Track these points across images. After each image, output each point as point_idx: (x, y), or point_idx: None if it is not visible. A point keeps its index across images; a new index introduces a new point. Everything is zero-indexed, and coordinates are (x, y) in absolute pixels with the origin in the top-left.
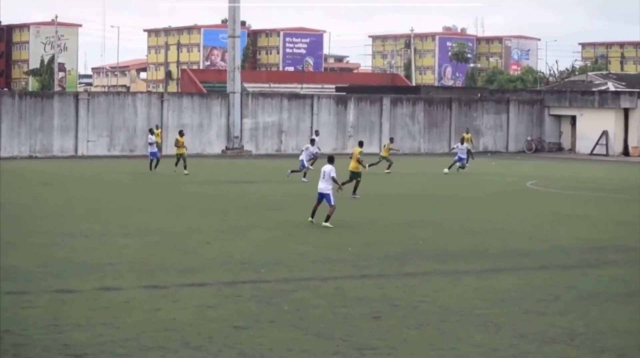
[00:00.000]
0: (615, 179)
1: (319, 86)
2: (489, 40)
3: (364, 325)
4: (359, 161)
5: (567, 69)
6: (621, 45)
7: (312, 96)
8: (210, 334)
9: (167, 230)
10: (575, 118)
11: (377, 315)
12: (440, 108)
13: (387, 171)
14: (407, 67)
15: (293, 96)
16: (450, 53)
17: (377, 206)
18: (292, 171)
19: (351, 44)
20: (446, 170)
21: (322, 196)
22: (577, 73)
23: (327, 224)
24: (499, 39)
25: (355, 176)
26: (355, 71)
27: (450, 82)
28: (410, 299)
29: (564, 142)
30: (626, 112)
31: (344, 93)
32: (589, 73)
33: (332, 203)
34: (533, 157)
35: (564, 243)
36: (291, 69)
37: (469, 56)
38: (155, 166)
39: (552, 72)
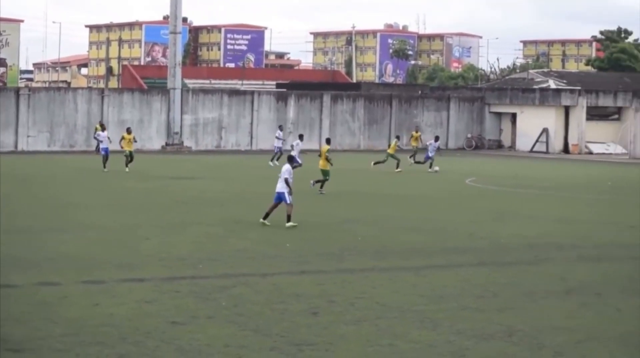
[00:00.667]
0: (555, 177)
1: (260, 82)
2: (430, 37)
3: (302, 321)
4: (327, 159)
5: (508, 67)
6: (563, 43)
7: (252, 93)
8: (148, 329)
9: (106, 225)
10: (516, 116)
11: (315, 311)
12: (381, 105)
13: (398, 169)
14: (348, 64)
15: (233, 93)
16: (391, 50)
17: (315, 202)
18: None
19: (292, 41)
20: (430, 169)
21: (279, 196)
22: (518, 71)
23: (290, 224)
24: (441, 36)
25: (325, 174)
26: (296, 68)
27: (391, 79)
28: (348, 295)
29: (504, 139)
30: (567, 110)
31: (285, 90)
32: (530, 71)
33: (289, 202)
34: (473, 154)
35: (503, 240)
36: (232, 65)
37: (410, 53)
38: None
39: (493, 69)
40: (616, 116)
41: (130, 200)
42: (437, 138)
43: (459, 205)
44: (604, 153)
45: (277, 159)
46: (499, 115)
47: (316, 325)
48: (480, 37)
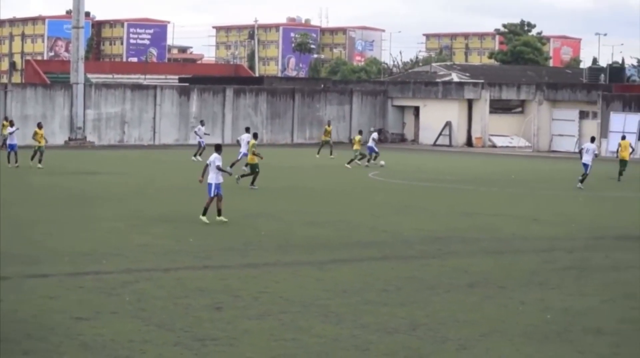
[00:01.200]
0: (458, 170)
1: (163, 76)
2: (333, 31)
3: (206, 315)
4: (254, 153)
5: (411, 60)
6: (466, 36)
7: (155, 87)
8: (52, 325)
9: (10, 220)
10: (419, 109)
11: (219, 305)
12: (283, 99)
13: (367, 164)
14: (251, 58)
15: (136, 87)
16: (293, 44)
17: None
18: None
19: (195, 35)
20: (382, 162)
21: (211, 188)
22: (421, 64)
23: (222, 218)
24: (343, 30)
25: (253, 168)
26: (199, 62)
27: (293, 73)
28: (252, 290)
29: (407, 133)
30: (470, 103)
31: (187, 84)
32: (433, 64)
33: (220, 193)
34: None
35: (406, 233)
36: (135, 59)
37: (313, 46)
38: (16, 160)
39: (395, 63)
40: (519, 109)
41: (33, 196)
42: (379, 131)
43: (361, 199)
44: (507, 146)
45: (200, 155)
46: (401, 109)
47: (220, 320)
48: (383, 31)
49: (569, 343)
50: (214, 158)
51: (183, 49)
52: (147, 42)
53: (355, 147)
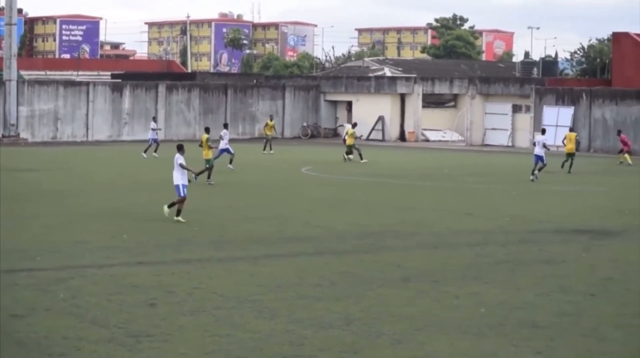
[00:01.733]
0: (391, 165)
1: (95, 73)
2: (265, 26)
3: (140, 312)
4: (210, 147)
5: (343, 55)
6: (398, 30)
7: (88, 84)
8: None
9: None
10: (352, 104)
11: (153, 302)
12: (216, 95)
13: (363, 161)
14: (183, 53)
15: (69, 84)
16: (226, 39)
17: (152, 193)
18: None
19: (127, 31)
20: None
21: (180, 189)
22: (353, 59)
23: (179, 218)
24: (275, 25)
25: (208, 163)
26: (132, 58)
27: (226, 69)
28: (186, 286)
29: (340, 128)
30: (402, 97)
31: (120, 80)
32: (366, 59)
33: (182, 194)
34: (309, 143)
35: (340, 228)
36: (67, 56)
37: (245, 42)
38: None
39: (328, 58)
40: (452, 104)
41: None
42: (354, 124)
43: (295, 194)
44: (440, 140)
45: (155, 151)
46: (334, 103)
47: (154, 316)
48: (315, 26)
49: (504, 336)
50: (176, 158)
51: (115, 46)
52: (79, 38)
53: (349, 141)
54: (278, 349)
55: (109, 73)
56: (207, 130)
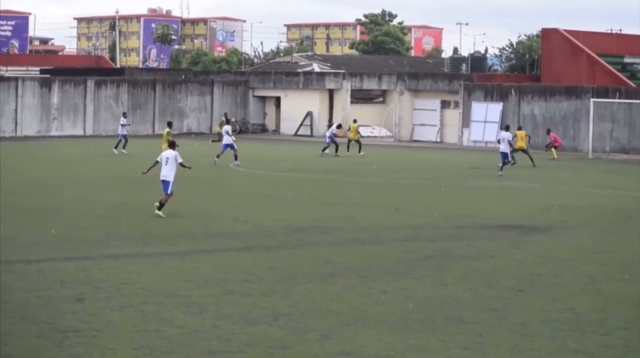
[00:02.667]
0: (319, 160)
1: (24, 68)
2: (194, 22)
3: (68, 307)
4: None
5: (272, 51)
6: (327, 26)
7: (16, 79)
8: None
9: None
10: (280, 99)
11: (81, 297)
12: (145, 90)
13: (361, 153)
14: (112, 49)
15: None
16: (154, 35)
17: (79, 188)
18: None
19: (56, 27)
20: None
21: (168, 185)
22: (282, 54)
23: (160, 213)
24: (204, 21)
25: None
26: (61, 53)
27: (155, 64)
28: (114, 281)
29: (269, 123)
30: (331, 93)
31: (49, 76)
32: (294, 54)
33: (169, 191)
34: (237, 138)
35: (268, 224)
36: None
37: (174, 37)
38: None
39: (257, 53)
40: (381, 99)
41: None
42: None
43: (222, 190)
44: (369, 136)
45: (124, 147)
46: (263, 99)
47: (82, 312)
48: (244, 22)
49: (432, 332)
50: (174, 156)
51: (44, 41)
52: (8, 34)
53: (351, 136)
54: (206, 345)
55: (38, 68)
56: (169, 124)
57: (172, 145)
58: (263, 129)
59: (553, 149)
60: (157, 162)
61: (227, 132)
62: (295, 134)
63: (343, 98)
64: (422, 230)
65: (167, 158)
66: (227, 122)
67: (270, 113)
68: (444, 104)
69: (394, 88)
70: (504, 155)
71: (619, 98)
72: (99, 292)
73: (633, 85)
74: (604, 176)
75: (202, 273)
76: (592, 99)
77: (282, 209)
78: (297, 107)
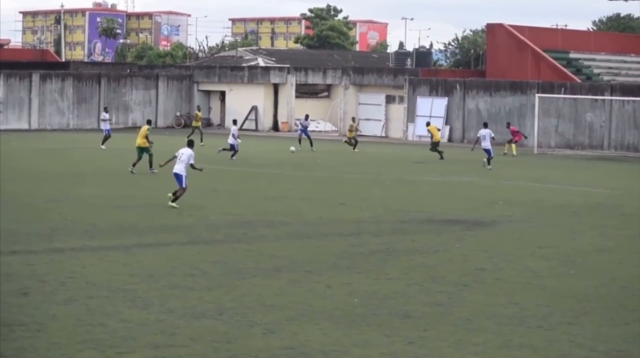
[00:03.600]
0: (264, 154)
1: None
2: (139, 16)
3: (13, 301)
4: (146, 138)
5: (217, 45)
6: (272, 21)
7: None
8: None
9: None
10: (225, 94)
11: (26, 291)
12: (90, 84)
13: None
14: (57, 43)
15: None
16: (99, 29)
17: (23, 182)
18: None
19: (2, 20)
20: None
21: (182, 179)
22: (227, 49)
23: (174, 204)
24: (149, 15)
25: (142, 151)
26: (6, 47)
27: (100, 58)
28: (59, 275)
29: (214, 117)
30: (276, 87)
31: None
32: (239, 49)
33: (184, 185)
34: (182, 132)
35: (212, 217)
36: None
37: (119, 31)
38: None
39: (201, 48)
40: (326, 94)
41: None
42: (307, 117)
43: (167, 183)
44: (314, 130)
45: (102, 143)
46: (208, 93)
47: (27, 305)
48: (189, 16)
49: (377, 326)
50: (189, 155)
51: None
52: None
53: (349, 135)
54: (150, 338)
55: None
56: (149, 122)
57: (190, 144)
58: (208, 123)
59: (512, 144)
60: (174, 157)
61: (233, 134)
62: (240, 129)
63: (288, 92)
64: (367, 224)
65: (182, 154)
66: (234, 123)
67: (215, 107)
68: (389, 99)
69: (339, 83)
70: (488, 151)
71: (564, 93)
72: (44, 286)
73: (578, 80)
74: (548, 171)
75: (147, 267)
76: (537, 95)
77: (226, 203)
78: (242, 101)
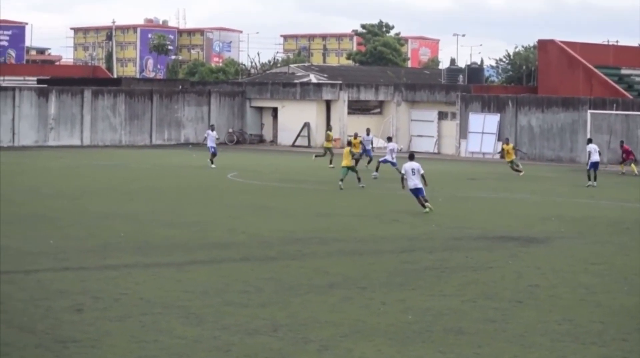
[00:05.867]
0: (316, 171)
1: (21, 78)
2: (190, 32)
3: (66, 317)
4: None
5: (269, 61)
6: (323, 37)
7: (13, 89)
8: None
9: None
10: (277, 110)
11: (80, 307)
12: (142, 100)
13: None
14: (109, 59)
15: None
16: (151, 45)
17: (75, 198)
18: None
19: (53, 36)
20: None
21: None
22: (279, 65)
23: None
24: (201, 31)
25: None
26: (57, 63)
27: (152, 75)
28: (112, 291)
29: (266, 134)
30: (328, 104)
31: (46, 85)
32: (291, 65)
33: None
34: (234, 149)
35: (265, 234)
36: None
37: (170, 48)
38: None
39: (253, 64)
40: (378, 110)
41: None
42: (368, 131)
43: (220, 200)
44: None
45: (212, 161)
46: (260, 109)
47: (81, 322)
48: (241, 32)
49: (431, 343)
50: (418, 167)
51: (41, 51)
52: (5, 43)
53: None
54: (204, 355)
55: (35, 78)
56: (349, 143)
57: (411, 157)
58: (260, 139)
59: (633, 164)
60: (403, 175)
61: (392, 151)
62: (293, 145)
63: (340, 109)
64: (420, 240)
65: (413, 169)
66: (390, 139)
67: (268, 124)
68: (441, 115)
69: (391, 99)
70: (596, 165)
71: (616, 110)
72: (98, 302)
73: (630, 97)
74: (600, 188)
75: (201, 283)
76: (589, 111)
77: (278, 219)
78: (294, 118)
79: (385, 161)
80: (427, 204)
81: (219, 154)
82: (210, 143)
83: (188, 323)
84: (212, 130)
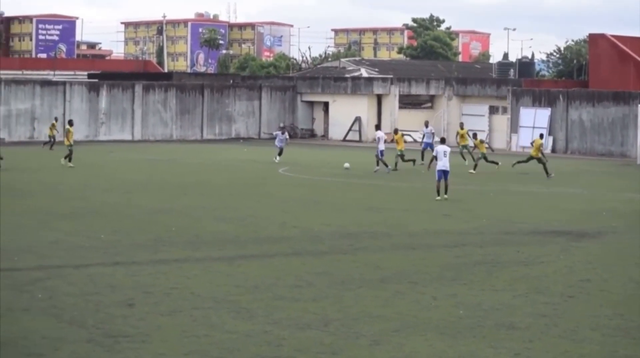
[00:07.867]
0: (367, 166)
1: (72, 72)
2: (241, 26)
3: (118, 312)
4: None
5: (320, 56)
6: (374, 31)
7: (64, 83)
8: None
9: None
10: (328, 104)
11: (131, 302)
12: (193, 95)
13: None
14: (159, 53)
15: (45, 83)
16: (201, 39)
17: (126, 193)
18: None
19: (103, 31)
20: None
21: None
22: (330, 59)
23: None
24: (252, 25)
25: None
26: (108, 58)
27: (202, 69)
28: (163, 286)
29: (317, 128)
30: (379, 98)
31: (96, 80)
32: (342, 59)
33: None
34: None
35: (316, 229)
36: (44, 55)
37: (221, 42)
38: None
39: (304, 58)
40: (429, 104)
41: None
42: (427, 123)
43: (271, 194)
44: (417, 141)
45: (277, 157)
46: (311, 104)
47: (132, 316)
48: (292, 26)
49: (482, 338)
50: (445, 150)
51: (92, 45)
52: (56, 38)
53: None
54: (256, 350)
55: (86, 73)
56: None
57: (443, 141)
58: (312, 134)
59: None
60: (434, 157)
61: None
62: (344, 140)
63: (391, 103)
64: (471, 235)
65: (445, 151)
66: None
67: (319, 118)
68: (492, 110)
69: (442, 93)
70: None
71: None
72: (149, 297)
73: None
74: None
75: (252, 278)
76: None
77: (329, 214)
78: (345, 112)
79: (382, 154)
80: (443, 194)
81: (272, 149)
82: (279, 144)
83: (239, 317)
84: (283, 133)
